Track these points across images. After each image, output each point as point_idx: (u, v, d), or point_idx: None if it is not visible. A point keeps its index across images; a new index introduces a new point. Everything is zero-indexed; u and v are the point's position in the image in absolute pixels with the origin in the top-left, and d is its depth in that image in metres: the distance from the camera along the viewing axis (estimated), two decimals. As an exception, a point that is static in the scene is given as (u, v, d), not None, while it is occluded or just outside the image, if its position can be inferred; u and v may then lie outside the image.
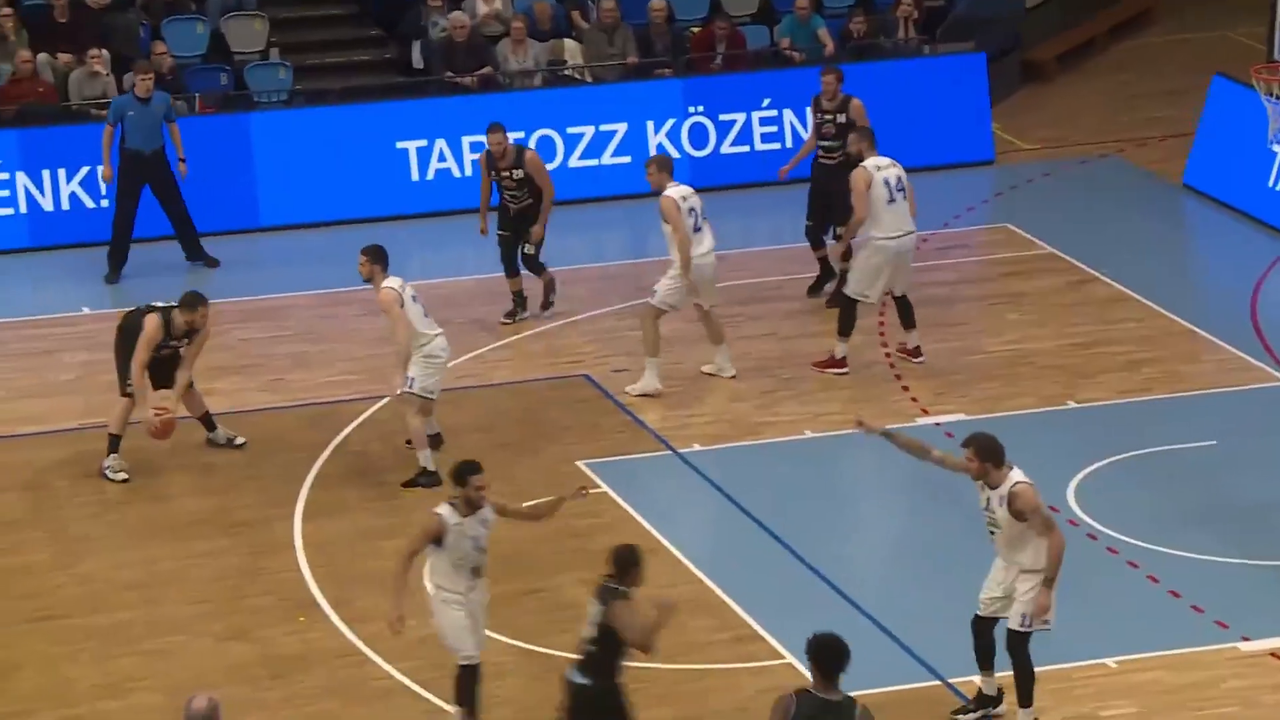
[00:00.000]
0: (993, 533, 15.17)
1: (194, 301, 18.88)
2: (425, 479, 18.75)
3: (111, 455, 19.03)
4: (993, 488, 15.03)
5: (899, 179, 20.58)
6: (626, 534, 18.01)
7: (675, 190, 19.96)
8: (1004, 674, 15.17)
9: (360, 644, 16.50)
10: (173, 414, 18.85)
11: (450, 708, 15.28)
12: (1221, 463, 19.16)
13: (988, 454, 15.10)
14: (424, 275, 22.52)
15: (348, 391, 20.67)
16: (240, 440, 19.61)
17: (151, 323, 18.74)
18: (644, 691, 15.81)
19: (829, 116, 22.34)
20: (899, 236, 20.57)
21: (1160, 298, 22.47)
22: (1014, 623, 15.05)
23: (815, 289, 22.71)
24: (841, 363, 20.67)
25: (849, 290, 20.82)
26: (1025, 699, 15.26)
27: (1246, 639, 16.45)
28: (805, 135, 24.62)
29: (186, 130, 24.07)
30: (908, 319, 20.90)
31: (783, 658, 16.19)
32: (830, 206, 22.15)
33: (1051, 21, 30.16)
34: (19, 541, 18.06)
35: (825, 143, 22.36)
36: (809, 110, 23.05)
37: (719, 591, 17.25)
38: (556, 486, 18.51)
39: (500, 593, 15.46)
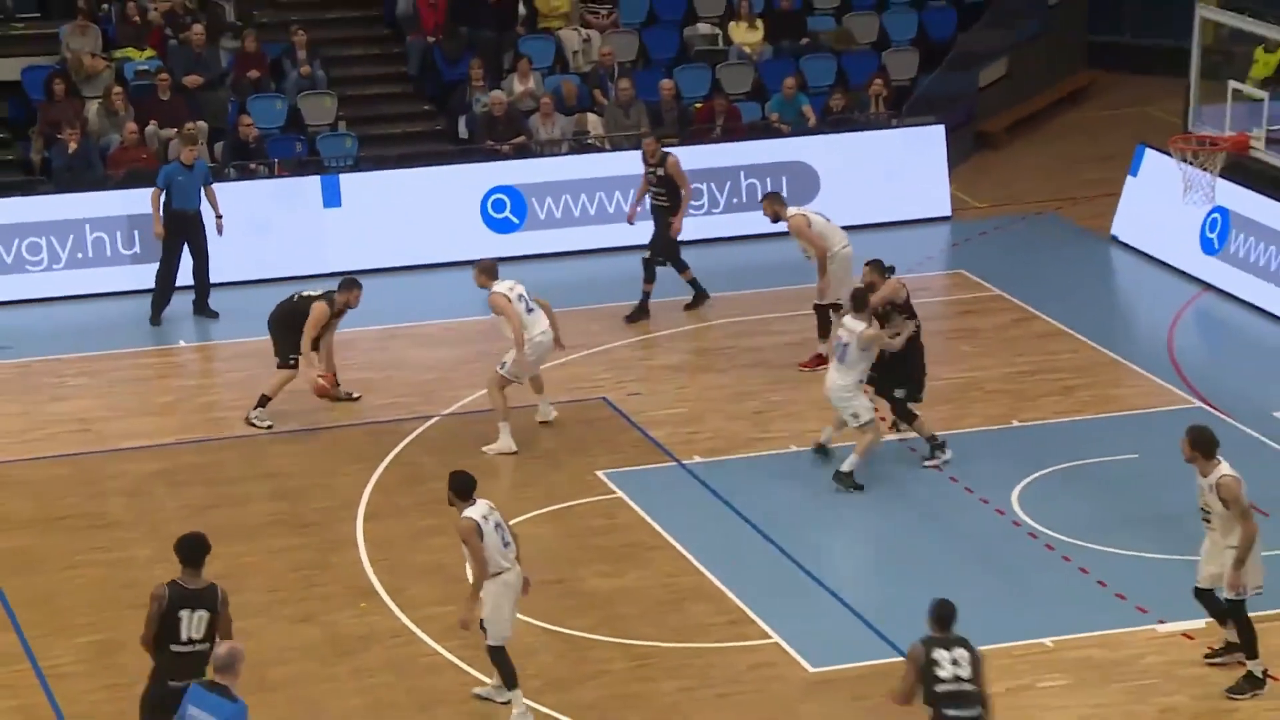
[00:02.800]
0: (1205, 518, 15.41)
1: (351, 284, 20.25)
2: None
3: (259, 409, 20.20)
4: (1203, 476, 15.27)
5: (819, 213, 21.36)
6: (639, 533, 18.06)
7: (501, 286, 19.41)
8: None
9: (413, 626, 16.54)
10: (330, 376, 20.13)
11: (490, 680, 15.34)
12: (1143, 473, 19.15)
13: (1199, 444, 15.40)
14: (450, 314, 22.73)
15: (402, 412, 20.70)
16: (357, 395, 20.79)
17: (319, 309, 19.87)
18: (653, 666, 15.88)
19: (652, 170, 22.91)
20: (847, 246, 21.25)
21: (1091, 333, 22.46)
22: (1229, 594, 15.31)
23: (693, 305, 23.31)
24: (825, 360, 20.61)
25: (820, 300, 21.34)
26: (1250, 652, 15.52)
27: (1163, 622, 16.46)
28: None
29: (268, 190, 24.10)
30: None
31: (770, 638, 16.23)
32: (668, 240, 22.95)
33: (1002, 98, 30.12)
34: (123, 539, 18.10)
35: (654, 189, 23.02)
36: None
37: (716, 581, 17.26)
38: (581, 492, 18.63)
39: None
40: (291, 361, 20.10)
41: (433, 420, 20.42)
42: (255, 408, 20.27)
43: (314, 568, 17.61)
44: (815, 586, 17.03)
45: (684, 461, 19.49)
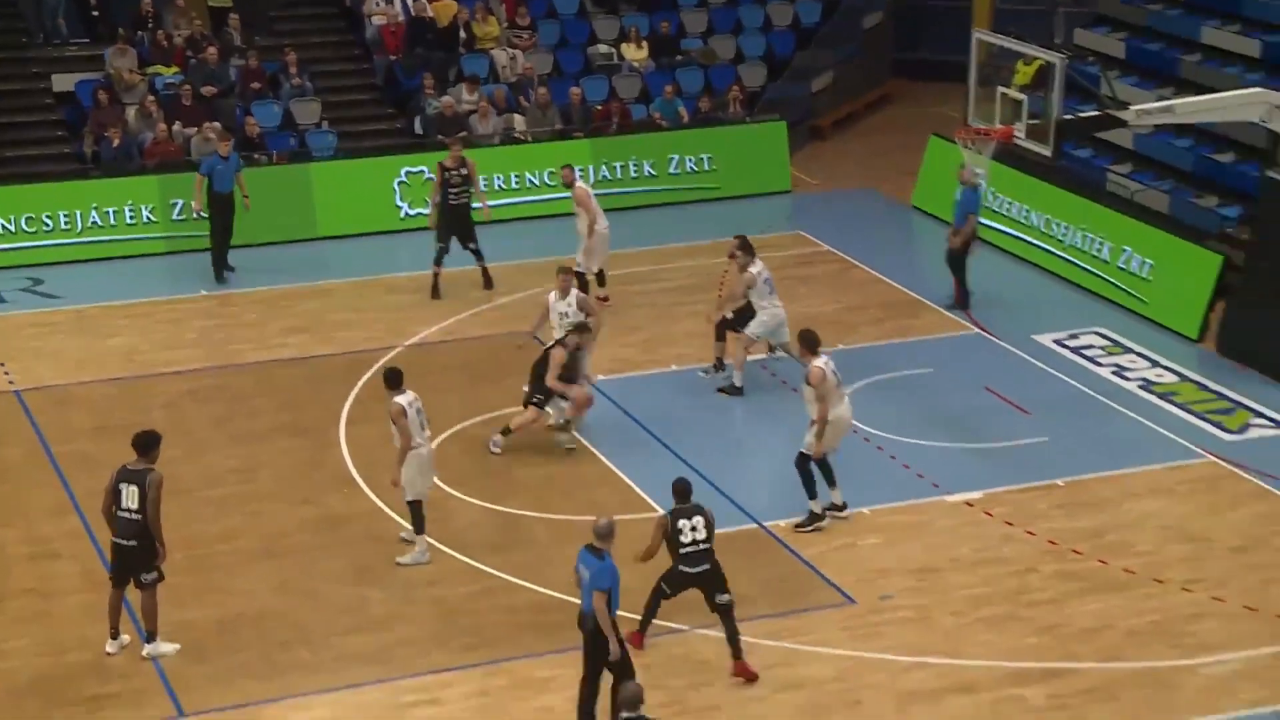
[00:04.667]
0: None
1: (581, 328, 17.70)
2: (734, 391, 18.73)
3: (500, 436, 17.61)
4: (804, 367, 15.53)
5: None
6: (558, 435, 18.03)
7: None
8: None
9: (384, 506, 16.56)
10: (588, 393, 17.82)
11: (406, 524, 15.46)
12: (934, 383, 19.32)
13: (803, 341, 15.64)
14: (412, 269, 22.39)
15: (375, 344, 20.63)
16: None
17: (558, 354, 17.50)
18: (567, 531, 15.90)
19: (452, 172, 21.49)
20: (608, 226, 20.65)
21: (897, 278, 22.61)
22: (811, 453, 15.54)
23: (487, 285, 21.78)
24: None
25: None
26: (810, 494, 15.80)
27: (949, 494, 16.67)
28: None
29: (269, 175, 23.92)
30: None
31: (657, 511, 16.10)
32: (461, 233, 21.51)
33: (829, 101, 30.19)
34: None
35: (453, 189, 21.38)
36: (437, 167, 21.68)
37: (615, 470, 17.25)
38: (513, 402, 18.59)
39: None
40: (535, 401, 17.63)
41: (396, 349, 20.36)
42: (498, 433, 17.69)
43: (310, 464, 17.56)
44: (690, 470, 16.95)
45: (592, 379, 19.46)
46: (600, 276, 21.41)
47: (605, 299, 21.19)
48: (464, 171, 21.67)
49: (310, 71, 26.76)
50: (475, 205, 21.81)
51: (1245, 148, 23.40)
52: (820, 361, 15.69)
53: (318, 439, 18.11)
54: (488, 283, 22.08)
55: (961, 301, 21.33)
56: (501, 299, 21.85)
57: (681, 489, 13.58)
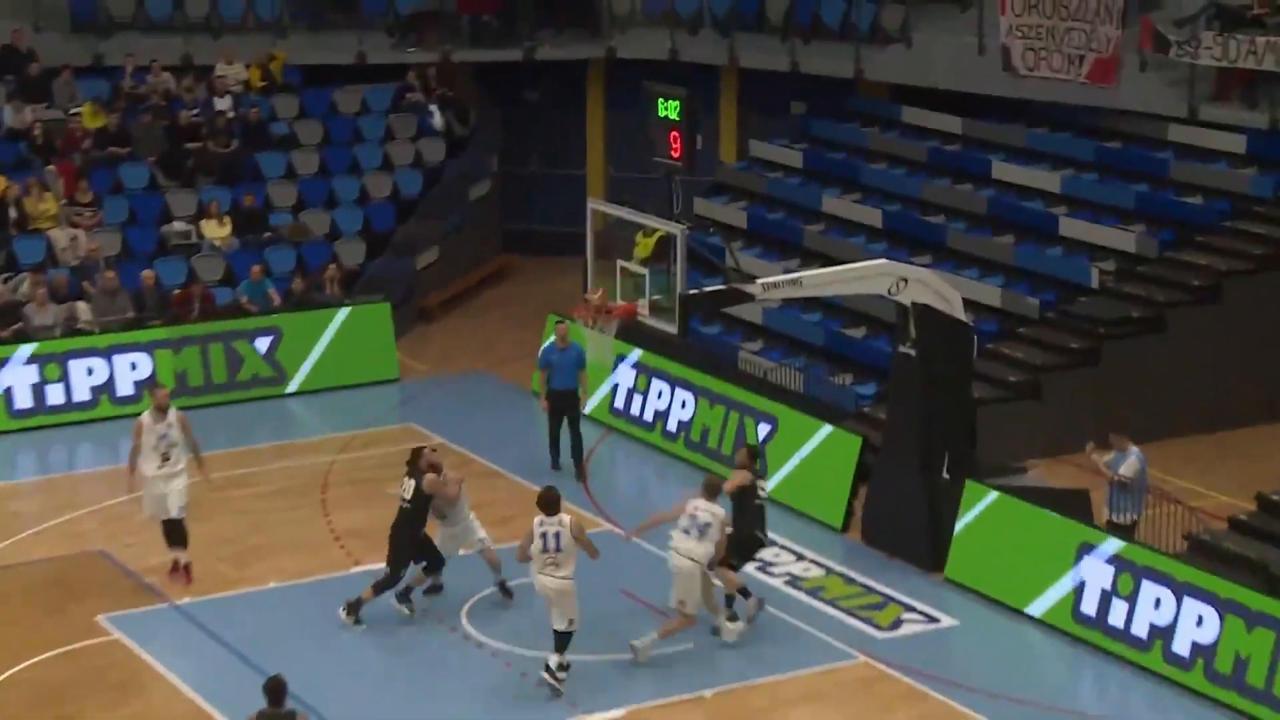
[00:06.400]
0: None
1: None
2: None
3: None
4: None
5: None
6: (136, 669, 17.06)
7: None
8: None
9: None
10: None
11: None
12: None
13: (541, 503, 16.61)
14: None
15: None
16: None
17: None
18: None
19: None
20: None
21: (520, 470, 22.45)
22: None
23: None
24: None
25: None
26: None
27: (588, 715, 16.30)
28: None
29: None
30: None
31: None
32: None
33: (436, 278, 30.14)
34: None
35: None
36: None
37: (205, 706, 16.46)
38: (83, 635, 17.49)
39: None
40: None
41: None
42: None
43: None
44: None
45: (176, 603, 18.59)
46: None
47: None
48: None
49: None
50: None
51: (875, 321, 24.25)
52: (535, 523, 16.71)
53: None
54: None
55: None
56: (76, 511, 20.79)
57: (274, 689, 13.74)
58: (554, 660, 16.67)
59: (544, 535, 16.66)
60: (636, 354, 23.93)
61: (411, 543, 18.10)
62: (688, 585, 17.28)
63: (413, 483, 17.98)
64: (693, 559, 17.22)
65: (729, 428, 22.45)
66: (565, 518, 16.75)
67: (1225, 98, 25.20)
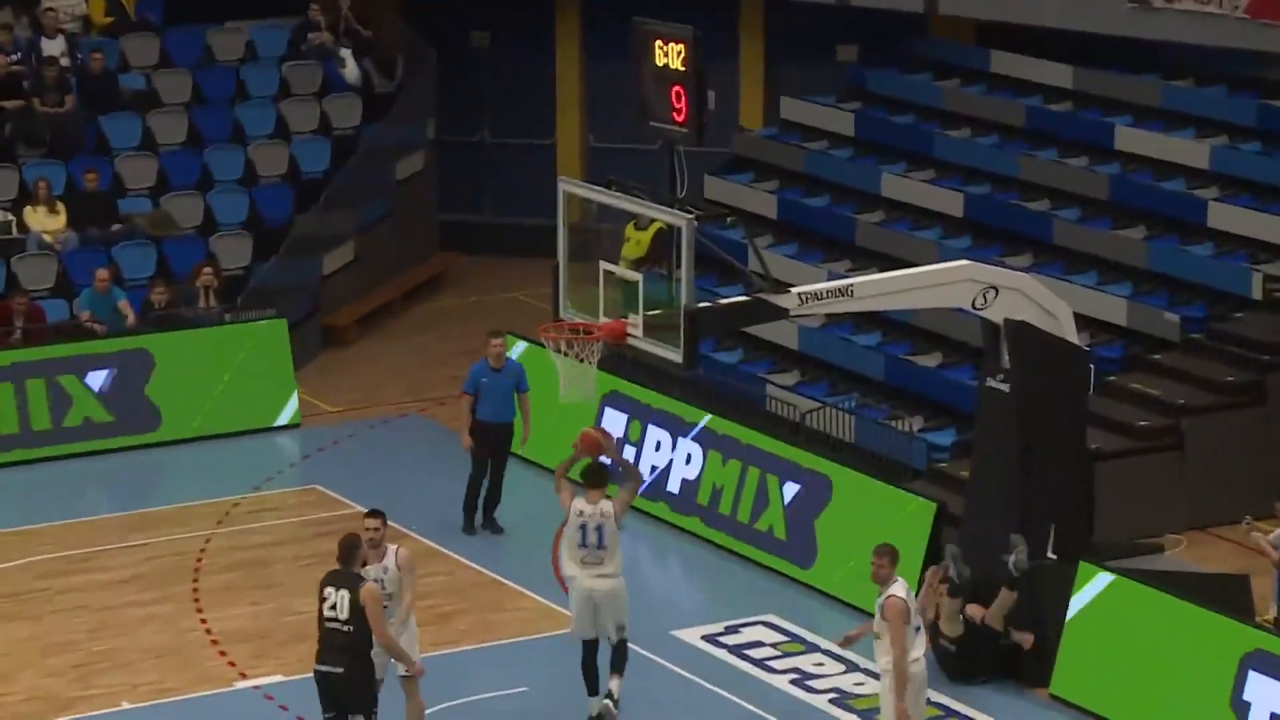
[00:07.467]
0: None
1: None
2: None
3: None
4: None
5: None
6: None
7: None
8: None
9: None
10: None
11: None
12: (532, 709, 19.25)
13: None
14: None
15: None
16: None
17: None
18: None
19: None
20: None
21: (466, 551, 22.62)
22: None
23: None
24: None
25: None
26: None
27: None
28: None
29: None
30: None
31: None
32: None
33: (350, 287, 30.38)
34: None
35: None
36: None
37: None
38: None
39: None
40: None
41: None
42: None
43: None
44: None
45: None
46: None
47: None
48: None
49: None
50: None
51: (954, 345, 24.48)
52: None
53: None
54: None
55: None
56: None
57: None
58: (616, 686, 17.95)
59: (583, 527, 17.85)
60: (626, 390, 24.16)
61: (369, 678, 16.88)
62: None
63: (346, 596, 16.57)
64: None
65: (746, 489, 22.67)
66: (608, 506, 17.93)
67: None
